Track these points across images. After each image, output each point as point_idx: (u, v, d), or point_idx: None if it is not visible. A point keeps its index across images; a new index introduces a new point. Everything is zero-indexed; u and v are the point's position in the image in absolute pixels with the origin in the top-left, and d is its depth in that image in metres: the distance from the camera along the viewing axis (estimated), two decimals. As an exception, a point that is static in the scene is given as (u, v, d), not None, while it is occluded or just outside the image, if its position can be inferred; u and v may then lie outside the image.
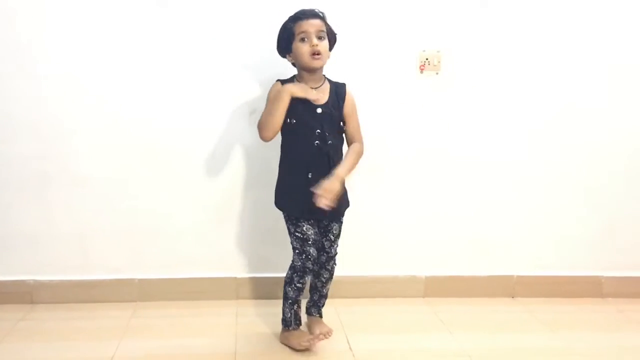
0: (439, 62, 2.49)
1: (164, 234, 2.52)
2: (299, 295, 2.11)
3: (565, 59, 2.55)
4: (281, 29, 2.05)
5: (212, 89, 2.43)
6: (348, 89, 2.11)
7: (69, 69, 2.35)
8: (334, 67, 2.42)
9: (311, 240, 2.06)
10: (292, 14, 2.05)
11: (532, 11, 2.49)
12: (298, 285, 2.08)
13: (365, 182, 2.54)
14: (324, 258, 2.16)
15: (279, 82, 2.07)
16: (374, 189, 2.57)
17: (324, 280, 2.20)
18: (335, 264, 2.20)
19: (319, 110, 2.04)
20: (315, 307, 2.26)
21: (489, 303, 2.63)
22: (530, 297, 2.69)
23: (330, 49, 2.07)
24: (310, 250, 2.05)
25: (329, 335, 2.11)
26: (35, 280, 2.48)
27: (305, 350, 2.09)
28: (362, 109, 2.47)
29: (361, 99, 2.47)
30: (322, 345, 2.15)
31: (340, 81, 2.14)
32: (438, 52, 2.48)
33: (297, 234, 2.07)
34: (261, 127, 2.04)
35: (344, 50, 2.43)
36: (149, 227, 2.50)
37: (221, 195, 2.51)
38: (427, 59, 2.48)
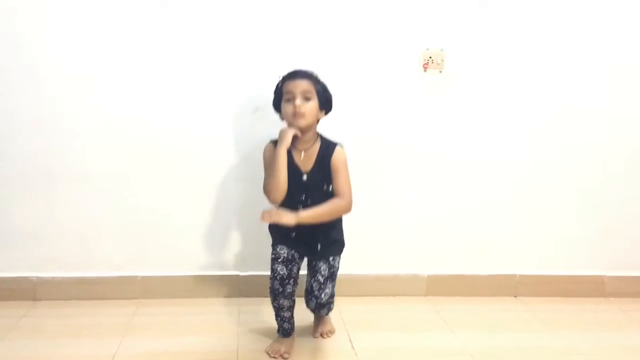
0: (442, 60, 2.48)
1: (166, 231, 2.52)
2: (279, 312, 2.09)
3: (567, 59, 2.54)
4: (275, 87, 2.07)
5: (214, 88, 2.42)
6: (338, 149, 2.04)
7: (71, 66, 2.35)
8: (338, 67, 2.43)
9: (281, 257, 2.04)
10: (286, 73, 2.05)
11: (535, 10, 2.48)
12: (274, 304, 2.07)
13: (367, 180, 2.54)
14: (313, 304, 2.08)
15: (271, 143, 2.06)
16: (377, 188, 2.57)
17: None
18: (331, 309, 2.17)
19: (305, 178, 2.03)
20: (318, 310, 2.20)
21: (491, 302, 2.63)
22: (532, 296, 2.69)
23: (324, 107, 2.05)
24: (278, 268, 2.03)
25: (329, 335, 2.13)
26: (37, 277, 2.49)
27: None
28: (365, 107, 2.48)
29: (364, 97, 2.48)
30: (324, 343, 2.16)
31: (334, 139, 2.09)
32: (441, 50, 2.48)
33: (272, 256, 2.07)
34: (267, 192, 2.01)
35: (348, 48, 2.44)
36: (151, 224, 2.51)
37: (223, 193, 2.51)
38: (430, 57, 2.48)
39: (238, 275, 2.58)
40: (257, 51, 2.40)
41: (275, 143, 2.04)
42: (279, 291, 2.02)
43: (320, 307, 2.10)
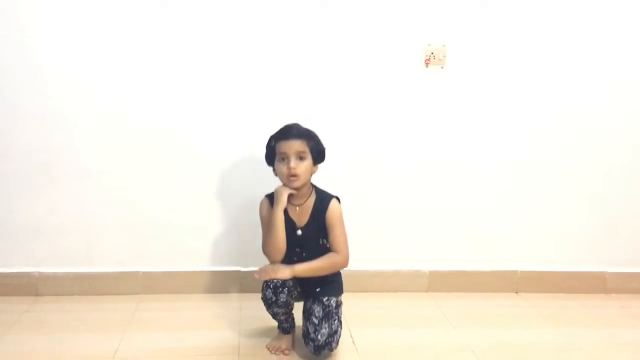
0: (444, 56, 2.48)
1: (168, 227, 2.52)
2: (276, 316, 2.07)
3: (570, 56, 2.53)
4: (267, 143, 2.04)
5: (217, 85, 2.42)
6: (332, 202, 2.02)
7: (73, 62, 2.35)
8: (339, 63, 2.43)
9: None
10: (276, 131, 2.03)
11: (537, 6, 2.48)
12: (269, 311, 2.05)
13: (368, 176, 2.54)
14: (312, 347, 1.98)
15: (267, 199, 2.06)
16: (378, 184, 2.57)
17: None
18: (332, 349, 2.01)
19: (299, 233, 2.03)
20: (319, 352, 2.05)
21: (492, 298, 2.64)
22: (533, 292, 2.69)
23: (317, 162, 2.02)
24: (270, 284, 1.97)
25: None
26: (39, 273, 2.49)
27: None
28: (366, 103, 2.48)
29: (365, 93, 2.47)
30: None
31: (330, 191, 2.08)
32: (443, 46, 2.47)
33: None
34: (267, 252, 2.02)
35: (350, 44, 2.43)
36: (153, 220, 2.51)
37: (225, 189, 2.51)
38: (432, 53, 2.47)
39: (239, 271, 2.58)
40: (258, 47, 2.40)
41: (270, 198, 2.04)
42: (272, 300, 1.97)
43: (320, 349, 1.98)
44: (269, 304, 2.00)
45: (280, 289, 1.95)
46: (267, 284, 1.97)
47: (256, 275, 1.96)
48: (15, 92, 2.36)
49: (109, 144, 2.43)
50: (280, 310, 2.02)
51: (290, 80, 2.44)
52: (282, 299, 1.97)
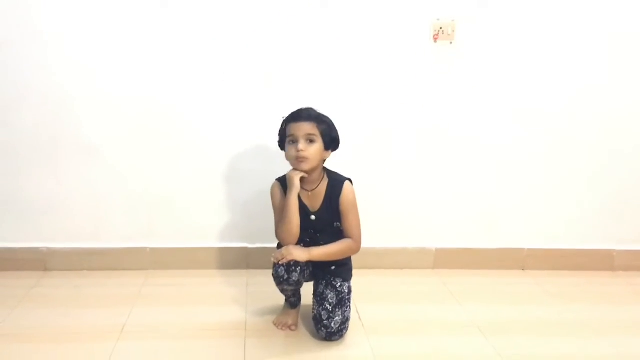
0: (453, 31, 2.45)
1: (176, 203, 2.53)
2: (284, 292, 2.07)
3: (581, 34, 2.50)
4: (280, 127, 2.03)
5: (223, 59, 2.41)
6: (346, 186, 2.00)
7: (79, 37, 2.34)
8: (347, 39, 2.40)
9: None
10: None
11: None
12: (279, 288, 2.05)
13: (375, 153, 2.53)
14: (324, 333, 1.98)
15: (278, 183, 2.04)
16: (385, 161, 2.56)
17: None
18: (343, 336, 2.02)
19: (313, 217, 2.02)
20: (330, 339, 2.04)
21: (499, 275, 2.64)
22: (540, 269, 2.69)
23: (329, 147, 2.00)
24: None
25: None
26: (47, 248, 2.51)
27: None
28: (374, 78, 2.45)
29: (373, 68, 2.45)
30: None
31: (350, 174, 2.06)
32: (452, 21, 2.44)
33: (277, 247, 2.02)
34: (281, 237, 1.99)
35: (357, 19, 2.40)
36: (161, 196, 2.52)
37: (232, 166, 2.51)
38: (441, 28, 2.44)
39: (246, 248, 2.59)
40: (267, 27, 2.38)
41: (281, 181, 2.03)
42: (284, 278, 1.97)
43: (332, 336, 1.98)
44: (280, 281, 1.99)
45: (294, 268, 1.95)
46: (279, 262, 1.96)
47: (274, 260, 1.94)
48: (20, 69, 2.35)
49: (115, 121, 2.43)
50: (290, 288, 2.03)
51: (296, 58, 2.42)
52: (294, 278, 1.97)
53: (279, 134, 2.04)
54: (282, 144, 2.04)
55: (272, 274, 2.00)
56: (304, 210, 2.01)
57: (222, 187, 2.53)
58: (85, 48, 2.35)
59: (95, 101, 2.40)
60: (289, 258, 1.92)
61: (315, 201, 2.02)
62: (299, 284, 2.03)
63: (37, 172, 2.45)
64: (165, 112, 2.43)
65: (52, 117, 2.39)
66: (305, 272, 2.00)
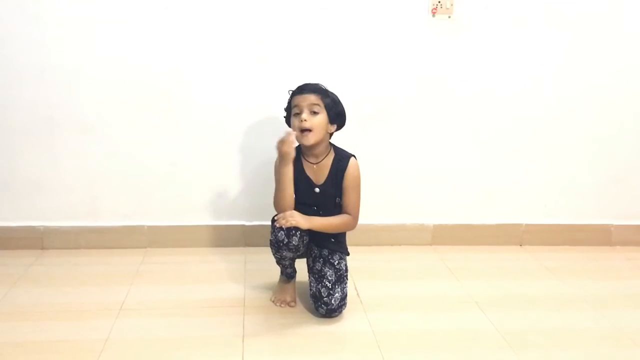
0: (451, 5, 2.41)
1: (173, 181, 2.52)
2: (281, 260, 2.06)
3: (582, 8, 2.47)
4: (287, 103, 2.03)
5: (221, 33, 2.37)
6: (352, 162, 2.01)
7: (74, 14, 2.30)
8: (343, 12, 2.37)
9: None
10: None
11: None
12: (276, 256, 2.04)
13: (373, 129, 2.52)
14: (324, 310, 1.99)
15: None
16: (382, 137, 2.54)
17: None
18: (341, 312, 2.03)
19: (317, 190, 2.02)
20: (329, 316, 2.05)
21: (496, 251, 2.64)
22: (538, 245, 2.70)
23: (334, 121, 2.00)
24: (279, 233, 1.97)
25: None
26: (45, 227, 2.50)
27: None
28: (370, 53, 2.43)
29: (370, 43, 2.43)
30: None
31: (349, 151, 2.05)
32: (451, -6, 2.41)
33: (274, 217, 2.00)
34: (277, 207, 2.00)
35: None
36: (158, 174, 2.50)
37: (229, 143, 2.50)
38: (439, 2, 2.41)
39: (244, 225, 2.59)
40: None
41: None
42: (284, 243, 1.96)
43: (332, 312, 1.99)
44: (279, 245, 1.98)
45: (294, 232, 1.94)
46: (279, 227, 1.95)
47: (277, 224, 1.93)
48: (14, 46, 2.32)
49: (110, 97, 2.40)
50: (288, 254, 2.02)
51: (295, 34, 2.40)
52: (294, 242, 1.96)
53: (285, 109, 2.05)
54: (288, 119, 2.04)
55: (271, 240, 2.00)
56: (308, 182, 2.01)
57: (220, 165, 2.52)
58: (81, 24, 2.31)
59: (92, 79, 2.37)
60: (291, 222, 1.91)
61: (320, 174, 2.02)
62: (297, 250, 2.01)
63: (34, 151, 2.43)
64: (162, 89, 2.41)
65: (46, 94, 2.37)
66: (304, 239, 2.00)
